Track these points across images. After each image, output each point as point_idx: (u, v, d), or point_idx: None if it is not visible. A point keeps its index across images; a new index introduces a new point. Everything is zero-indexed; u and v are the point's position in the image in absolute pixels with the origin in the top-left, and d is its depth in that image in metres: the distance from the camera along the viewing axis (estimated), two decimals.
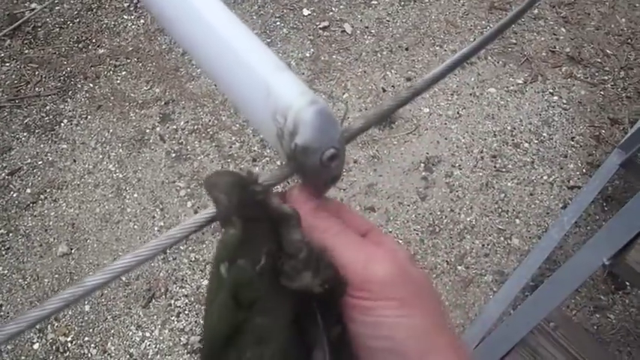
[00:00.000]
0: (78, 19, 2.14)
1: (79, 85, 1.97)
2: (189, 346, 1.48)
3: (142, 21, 2.14)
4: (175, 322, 1.52)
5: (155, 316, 1.53)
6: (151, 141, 1.84)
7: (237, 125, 1.88)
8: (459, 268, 1.61)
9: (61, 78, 1.99)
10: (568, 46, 2.11)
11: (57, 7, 2.17)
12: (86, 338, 1.51)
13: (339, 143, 0.32)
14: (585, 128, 1.90)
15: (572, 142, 1.87)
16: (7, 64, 2.02)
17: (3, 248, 1.64)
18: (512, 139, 1.87)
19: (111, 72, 2.01)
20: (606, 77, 2.03)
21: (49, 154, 1.81)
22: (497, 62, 2.05)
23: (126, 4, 2.18)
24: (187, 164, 1.79)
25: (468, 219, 1.70)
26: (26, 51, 2.05)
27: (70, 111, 1.91)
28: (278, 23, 2.13)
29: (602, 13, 2.22)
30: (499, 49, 2.09)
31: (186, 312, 1.53)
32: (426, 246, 1.64)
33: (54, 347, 1.49)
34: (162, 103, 1.93)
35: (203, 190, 1.74)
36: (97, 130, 1.87)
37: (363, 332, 0.30)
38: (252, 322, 0.29)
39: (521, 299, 1.51)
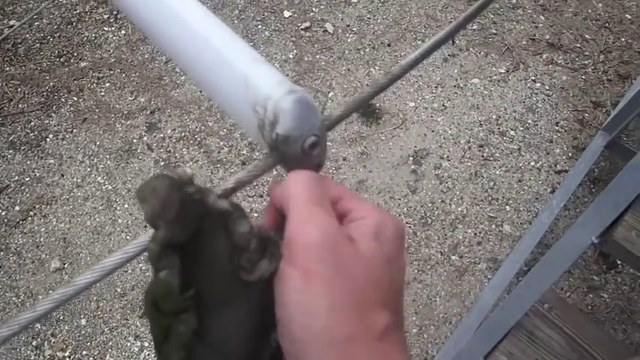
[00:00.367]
0: (58, 34, 2.13)
1: (63, 100, 1.96)
2: None
3: (122, 32, 2.14)
4: None
5: None
6: (138, 151, 1.84)
7: (225, 130, 1.88)
8: (453, 257, 1.62)
9: (45, 93, 1.97)
10: (547, 33, 2.14)
11: (36, 23, 2.15)
12: (84, 352, 1.50)
13: (320, 130, 0.32)
14: (569, 113, 1.93)
15: (557, 127, 1.89)
16: None
17: None
18: (498, 128, 1.89)
19: (94, 84, 2.00)
20: (586, 62, 2.06)
21: (36, 170, 1.80)
22: (479, 53, 2.07)
23: (106, 16, 2.17)
24: None
25: (459, 209, 1.71)
26: (7, 68, 2.03)
27: (55, 126, 1.90)
28: (260, 26, 2.14)
29: None
30: (480, 40, 2.11)
31: None
32: (419, 238, 1.65)
33: None
34: (148, 112, 1.92)
35: None
36: (84, 143, 1.86)
37: (273, 297, 0.28)
38: (177, 330, 0.27)
39: (516, 284, 1.52)
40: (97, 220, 1.70)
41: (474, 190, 1.75)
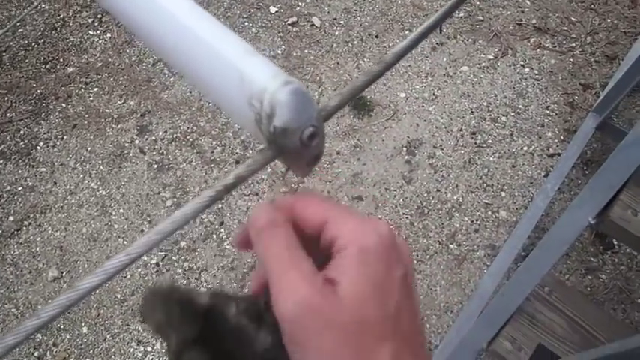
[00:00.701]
0: (43, 40, 2.10)
1: (52, 106, 1.94)
2: None
3: (108, 35, 2.12)
4: None
5: None
6: (131, 155, 1.83)
7: (217, 129, 1.87)
8: (451, 246, 1.63)
9: (32, 101, 1.95)
10: (534, 18, 2.14)
11: (20, 30, 2.13)
12: None
13: (317, 121, 0.32)
14: (559, 96, 1.94)
15: (548, 111, 1.90)
16: None
17: None
18: (490, 114, 1.89)
19: (82, 90, 1.98)
20: (574, 44, 2.07)
21: (28, 179, 1.78)
22: (467, 40, 2.08)
23: (90, 20, 2.15)
24: (170, 174, 1.78)
25: (455, 197, 1.72)
26: None
27: (45, 133, 1.88)
28: (246, 23, 2.13)
29: None
30: (467, 27, 2.11)
31: None
32: (417, 228, 1.66)
33: None
34: (139, 115, 1.91)
35: (189, 198, 1.73)
36: (75, 149, 1.84)
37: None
38: None
39: (515, 270, 1.53)
40: (93, 226, 1.69)
41: (469, 178, 1.75)
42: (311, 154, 0.33)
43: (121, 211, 1.72)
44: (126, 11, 0.38)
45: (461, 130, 1.85)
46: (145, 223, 1.69)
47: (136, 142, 1.85)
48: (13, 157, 1.83)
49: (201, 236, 1.66)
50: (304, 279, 0.28)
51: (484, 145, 1.82)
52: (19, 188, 1.77)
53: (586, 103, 1.91)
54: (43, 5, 2.18)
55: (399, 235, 1.63)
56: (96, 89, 1.98)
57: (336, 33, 2.10)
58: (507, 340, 1.00)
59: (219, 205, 1.69)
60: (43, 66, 2.04)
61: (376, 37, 2.09)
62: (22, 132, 1.88)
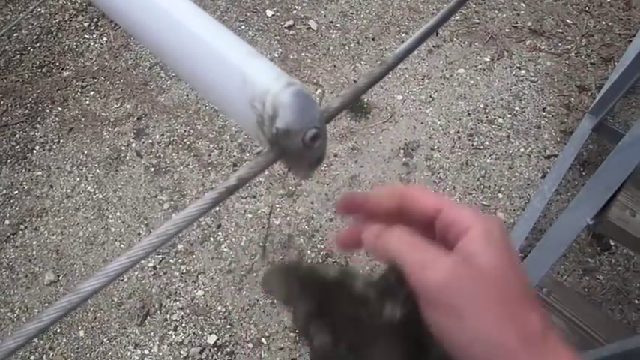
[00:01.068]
0: (38, 44, 2.10)
1: (48, 110, 1.93)
2: (189, 358, 1.47)
3: (104, 39, 2.11)
4: (173, 336, 1.50)
5: (152, 333, 1.51)
6: (127, 158, 1.82)
7: (214, 133, 1.86)
8: None
9: (28, 105, 1.95)
10: (529, 20, 2.15)
11: (15, 34, 2.12)
12: None
13: (320, 122, 0.32)
14: (555, 98, 1.94)
15: (544, 113, 1.91)
16: None
17: None
18: (486, 116, 1.90)
19: (79, 93, 1.97)
20: (569, 46, 2.08)
21: (24, 183, 1.77)
22: (463, 43, 2.08)
23: (86, 24, 2.15)
24: (167, 177, 1.78)
25: (453, 199, 1.72)
26: None
27: (41, 137, 1.87)
28: (243, 27, 2.13)
29: None
30: (463, 30, 2.12)
31: (183, 325, 1.52)
32: None
33: None
34: (135, 118, 1.90)
35: (187, 201, 1.72)
36: (72, 153, 1.84)
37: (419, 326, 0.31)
38: None
39: None
40: (90, 230, 1.68)
41: (466, 180, 1.76)
42: (313, 156, 0.33)
43: (118, 214, 1.71)
44: (127, 13, 0.38)
45: (458, 132, 1.86)
46: (142, 226, 1.68)
47: (133, 145, 1.84)
48: (9, 161, 1.82)
49: (199, 239, 1.65)
50: (444, 253, 0.31)
51: (481, 147, 1.83)
52: (15, 192, 1.76)
53: (582, 105, 1.92)
54: (39, 9, 2.18)
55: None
56: (92, 93, 1.97)
57: (333, 36, 2.11)
58: None
59: (217, 208, 1.69)
60: (39, 70, 2.03)
61: (373, 39, 2.09)
62: (17, 136, 1.88)
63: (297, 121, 0.30)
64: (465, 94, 1.95)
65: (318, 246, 1.63)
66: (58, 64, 2.05)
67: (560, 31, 2.13)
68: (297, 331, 0.37)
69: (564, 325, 0.96)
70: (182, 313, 1.54)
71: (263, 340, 1.49)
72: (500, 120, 1.89)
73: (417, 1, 2.20)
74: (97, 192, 1.75)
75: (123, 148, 1.84)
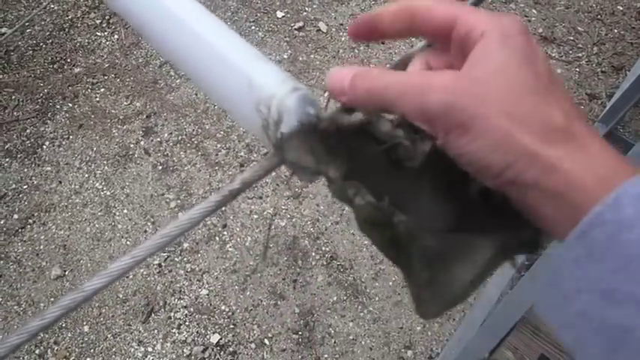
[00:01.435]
0: (51, 40, 2.12)
1: (58, 106, 1.95)
2: (192, 357, 1.48)
3: (115, 37, 2.13)
4: (177, 335, 1.51)
5: (156, 331, 1.52)
6: (136, 156, 1.83)
7: (222, 132, 1.87)
8: None
9: (39, 100, 1.96)
10: (540, 27, 2.14)
11: (28, 30, 2.14)
12: (87, 359, 1.49)
13: None
14: None
15: None
16: None
17: None
18: None
19: (89, 90, 1.99)
20: (580, 54, 2.07)
21: (33, 178, 1.79)
22: None
23: (98, 21, 2.16)
24: (175, 175, 1.79)
25: None
26: (0, 76, 2.02)
27: (51, 132, 1.89)
28: (253, 27, 2.14)
29: None
30: None
31: (187, 323, 1.53)
32: None
33: None
34: (144, 116, 1.92)
35: (193, 200, 1.73)
36: (81, 149, 1.85)
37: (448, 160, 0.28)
38: (400, 232, 0.29)
39: (519, 279, 1.52)
40: (97, 226, 1.69)
41: None
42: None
43: (125, 211, 1.72)
44: (135, 14, 0.38)
45: None
46: (149, 224, 1.69)
47: (141, 143, 1.86)
48: (19, 156, 1.84)
49: (204, 238, 1.66)
50: (442, 72, 0.27)
51: None
52: (24, 186, 1.77)
53: (592, 114, 1.90)
54: (52, 6, 2.20)
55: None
56: (102, 90, 1.99)
57: (343, 38, 2.11)
58: (509, 350, 0.99)
59: (223, 208, 1.70)
60: (51, 66, 2.05)
61: (382, 43, 2.09)
62: (28, 131, 1.89)
63: (293, 129, 0.30)
64: None
65: (323, 248, 1.63)
66: (69, 60, 2.07)
67: (572, 38, 2.11)
68: (334, 197, 0.33)
69: None
70: (186, 311, 1.54)
71: (266, 341, 1.49)
72: None
73: None
74: (104, 189, 1.77)
75: (131, 145, 1.85)
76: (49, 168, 1.81)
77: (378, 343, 1.49)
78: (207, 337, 1.50)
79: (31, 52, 2.09)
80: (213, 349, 1.49)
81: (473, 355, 1.04)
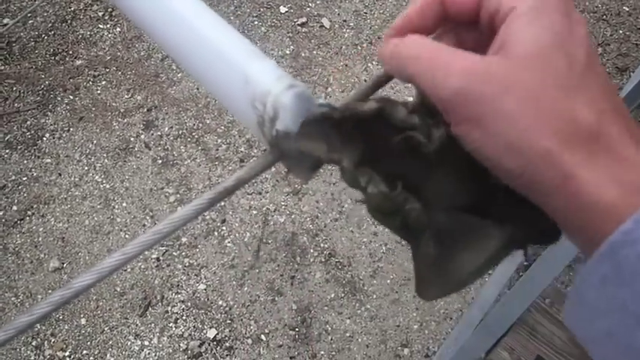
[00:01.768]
0: (53, 32, 2.11)
1: (59, 98, 1.94)
2: (189, 352, 1.48)
3: (118, 29, 2.12)
4: (174, 329, 1.51)
5: (153, 324, 1.52)
6: (136, 149, 1.83)
7: (222, 127, 1.87)
8: None
9: (40, 92, 1.96)
10: None
11: (30, 21, 2.14)
12: (84, 352, 1.49)
13: None
14: None
15: None
16: None
17: None
18: None
19: (90, 82, 1.98)
20: None
21: (33, 170, 1.79)
22: None
23: (100, 14, 2.16)
24: (174, 170, 1.78)
25: None
26: (2, 67, 2.02)
27: (51, 124, 1.88)
28: (256, 22, 2.13)
29: None
30: None
31: (184, 317, 1.53)
32: None
33: None
34: (145, 110, 1.91)
35: (192, 194, 1.73)
36: (81, 142, 1.85)
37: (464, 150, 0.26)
38: (413, 218, 0.29)
39: (517, 279, 1.52)
40: (96, 219, 1.69)
41: None
42: (314, 159, 0.33)
43: (124, 204, 1.72)
44: (134, 8, 0.38)
45: None
46: (148, 217, 1.69)
47: (142, 136, 1.85)
48: (19, 147, 1.84)
49: (203, 233, 1.66)
50: (459, 53, 0.25)
51: None
52: (24, 178, 1.77)
53: None
54: None
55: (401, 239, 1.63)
56: (104, 83, 1.98)
57: (346, 35, 2.10)
58: (506, 350, 0.99)
59: (222, 203, 1.69)
60: (52, 58, 2.04)
61: None
62: (28, 122, 1.89)
63: (297, 124, 0.30)
64: None
65: (322, 245, 1.63)
66: (71, 52, 2.06)
67: None
68: (347, 183, 0.32)
69: (566, 338, 0.95)
70: (183, 306, 1.54)
71: (262, 336, 1.49)
72: None
73: None
74: (104, 182, 1.76)
75: (132, 139, 1.85)
76: (48, 160, 1.81)
77: (374, 340, 1.49)
78: (204, 331, 1.50)
79: (32, 43, 2.08)
80: (209, 344, 1.49)
81: (469, 354, 1.04)
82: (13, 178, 1.77)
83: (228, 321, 1.52)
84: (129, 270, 1.60)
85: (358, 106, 0.29)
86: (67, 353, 1.49)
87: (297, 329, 1.50)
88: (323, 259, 1.61)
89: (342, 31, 2.11)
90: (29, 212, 1.71)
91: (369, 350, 1.48)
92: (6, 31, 2.09)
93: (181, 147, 1.83)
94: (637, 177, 0.22)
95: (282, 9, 2.16)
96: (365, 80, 1.97)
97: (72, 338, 1.51)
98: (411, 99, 0.30)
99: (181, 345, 1.49)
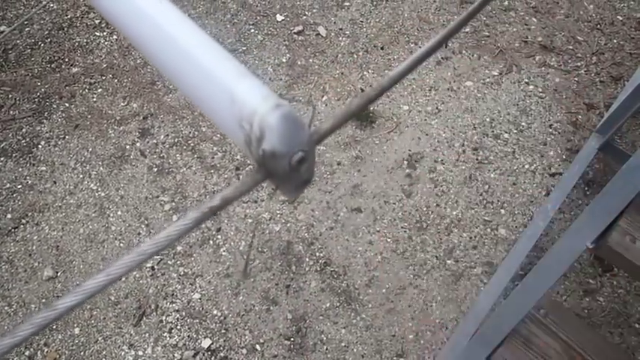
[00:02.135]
0: (49, 39, 2.11)
1: (55, 106, 1.94)
2: None
3: (114, 37, 2.12)
4: (168, 339, 1.50)
5: (147, 334, 1.51)
6: (131, 157, 1.82)
7: (218, 135, 1.87)
8: (449, 262, 1.62)
9: (36, 99, 1.96)
10: (540, 36, 2.14)
11: (27, 29, 2.14)
12: None
13: (308, 146, 0.31)
14: (562, 115, 1.93)
15: (551, 130, 1.89)
16: None
17: None
18: (492, 131, 1.88)
19: (86, 90, 1.98)
20: (579, 63, 2.07)
21: (28, 178, 1.78)
22: (472, 55, 2.07)
23: (97, 21, 2.16)
24: (170, 178, 1.78)
25: (454, 213, 1.71)
26: None
27: (47, 132, 1.88)
28: (252, 30, 2.13)
29: (570, 0, 2.26)
30: (473, 43, 2.11)
31: (178, 327, 1.52)
32: (415, 242, 1.65)
33: None
34: (141, 118, 1.91)
35: (188, 203, 1.72)
36: (76, 149, 1.84)
37: None
38: None
39: (512, 289, 1.52)
40: (90, 227, 1.69)
41: (469, 194, 1.74)
42: (300, 179, 0.33)
43: (119, 213, 1.71)
44: (124, 24, 0.38)
45: (463, 145, 1.85)
46: (143, 226, 1.69)
47: (137, 144, 1.85)
48: (14, 155, 1.83)
49: (198, 242, 1.65)
50: None
51: (485, 162, 1.81)
52: (19, 186, 1.77)
53: (589, 123, 1.90)
54: (52, 5, 2.20)
55: (397, 248, 1.63)
56: (100, 90, 1.98)
57: (342, 43, 2.10)
58: None
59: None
60: (49, 65, 2.04)
61: (381, 48, 2.09)
62: (24, 130, 1.89)
63: (283, 144, 0.30)
64: (471, 108, 1.94)
65: (317, 254, 1.63)
66: (67, 60, 2.06)
67: (571, 47, 2.11)
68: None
69: (560, 348, 0.95)
70: (178, 315, 1.53)
71: (257, 346, 1.49)
72: (506, 135, 1.88)
73: (428, 12, 2.19)
74: (99, 190, 1.76)
75: (127, 146, 1.85)
76: (43, 168, 1.81)
77: (370, 350, 1.48)
78: (199, 341, 1.49)
79: (29, 50, 2.08)
80: (204, 354, 1.48)
81: None
82: (8, 186, 1.77)
83: (223, 330, 1.51)
84: (123, 279, 1.59)
85: None
86: None
87: (292, 339, 1.50)
88: (318, 268, 1.60)
89: (338, 39, 2.12)
90: (23, 220, 1.70)
91: None
92: (2, 39, 2.09)
93: (177, 155, 1.83)
94: None
95: (279, 17, 2.17)
96: (361, 88, 1.98)
97: (65, 348, 1.50)
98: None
99: (175, 355, 1.48)
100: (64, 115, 1.92)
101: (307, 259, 1.62)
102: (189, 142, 1.85)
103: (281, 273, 1.59)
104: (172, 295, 1.57)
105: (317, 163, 1.78)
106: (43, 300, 1.57)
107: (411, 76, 2.00)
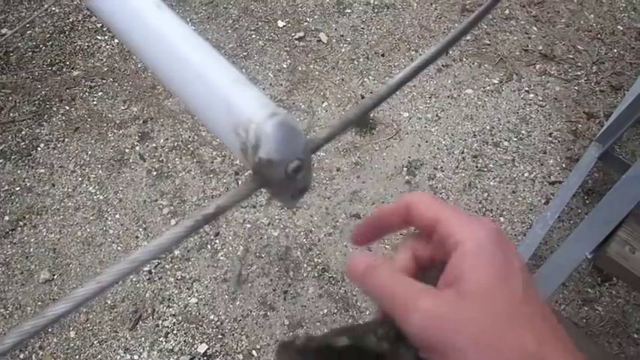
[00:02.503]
0: (50, 42, 2.11)
1: (55, 109, 1.94)
2: None
3: (115, 41, 2.13)
4: (164, 343, 1.49)
5: (143, 338, 1.50)
6: (130, 160, 1.82)
7: (218, 140, 1.86)
8: None
9: (36, 102, 1.96)
10: (540, 44, 2.15)
11: (28, 32, 2.14)
12: None
13: (304, 154, 0.31)
14: (562, 124, 1.93)
15: (551, 138, 1.89)
16: None
17: None
18: (492, 139, 1.88)
19: (86, 93, 1.98)
20: (579, 72, 2.07)
21: (26, 180, 1.78)
22: (473, 63, 2.08)
23: (99, 25, 2.16)
24: (169, 182, 1.77)
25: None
26: None
27: (46, 135, 1.88)
28: (254, 36, 2.14)
29: (571, 10, 2.26)
30: (473, 51, 2.11)
31: (175, 332, 1.51)
32: None
33: None
34: (141, 121, 1.91)
35: (186, 207, 1.72)
36: (75, 152, 1.84)
37: None
38: None
39: None
40: (88, 230, 1.68)
41: (468, 201, 1.74)
42: (296, 187, 0.32)
43: (117, 216, 1.71)
44: (121, 29, 0.38)
45: (462, 152, 1.85)
46: (141, 229, 1.68)
47: (137, 148, 1.85)
48: (13, 157, 1.83)
49: (196, 246, 1.64)
50: (426, 292, 0.29)
51: (485, 169, 1.81)
52: (17, 188, 1.76)
53: (589, 132, 1.90)
54: (54, 8, 2.20)
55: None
56: (100, 94, 1.98)
57: (343, 50, 2.11)
58: None
59: None
60: (49, 68, 2.04)
61: (382, 55, 2.09)
62: (23, 132, 1.89)
63: (279, 153, 0.30)
64: (471, 115, 1.94)
65: (315, 260, 1.62)
66: (68, 63, 2.06)
67: (571, 56, 2.12)
68: None
69: None
70: (174, 320, 1.53)
71: (254, 352, 1.48)
72: (505, 143, 1.88)
73: (429, 20, 2.20)
74: (97, 193, 1.75)
75: (127, 150, 1.84)
76: (42, 170, 1.80)
77: None
78: (195, 346, 1.48)
79: (30, 53, 2.09)
80: (200, 359, 1.47)
81: None
82: (6, 188, 1.76)
83: (220, 336, 1.50)
84: (120, 283, 1.58)
85: (333, 341, 0.32)
86: None
87: None
88: (316, 274, 1.60)
89: (339, 45, 2.12)
90: (21, 223, 1.69)
91: None
92: (4, 41, 2.09)
93: (176, 159, 1.82)
94: None
95: (280, 23, 2.18)
96: (361, 95, 1.98)
97: (60, 351, 1.49)
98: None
99: None
100: (63, 118, 1.92)
101: (305, 265, 1.61)
102: (189, 146, 1.85)
103: (279, 278, 1.59)
104: (169, 299, 1.56)
105: (316, 168, 1.78)
106: (40, 303, 1.56)
107: (411, 83, 2.00)
